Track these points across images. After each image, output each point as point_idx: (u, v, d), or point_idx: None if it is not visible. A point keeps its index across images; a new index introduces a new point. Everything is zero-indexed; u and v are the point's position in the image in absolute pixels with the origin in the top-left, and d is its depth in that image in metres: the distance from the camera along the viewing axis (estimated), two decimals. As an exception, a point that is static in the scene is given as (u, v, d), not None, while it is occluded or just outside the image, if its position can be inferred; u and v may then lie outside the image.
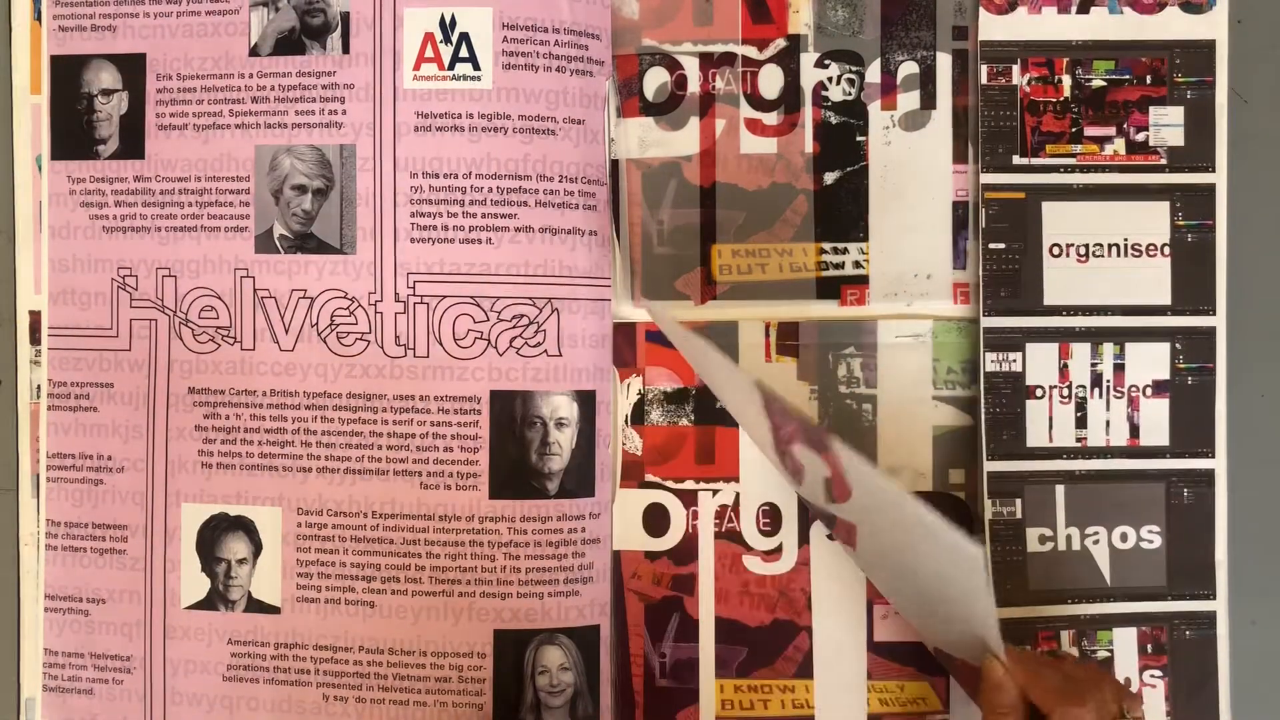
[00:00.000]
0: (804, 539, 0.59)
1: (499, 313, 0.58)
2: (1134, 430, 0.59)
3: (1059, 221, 0.59)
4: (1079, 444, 0.59)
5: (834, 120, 0.59)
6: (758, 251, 0.59)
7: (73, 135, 0.60)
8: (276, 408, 0.59)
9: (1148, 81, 0.59)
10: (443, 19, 0.58)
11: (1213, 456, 0.58)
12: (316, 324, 0.59)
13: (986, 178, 0.59)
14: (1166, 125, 0.59)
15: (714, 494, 0.59)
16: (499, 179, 0.58)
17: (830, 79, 0.59)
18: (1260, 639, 0.59)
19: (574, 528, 0.58)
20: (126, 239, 0.60)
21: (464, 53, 0.58)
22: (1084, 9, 0.59)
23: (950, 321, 0.59)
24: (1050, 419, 0.59)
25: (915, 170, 0.59)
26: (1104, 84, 0.59)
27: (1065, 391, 0.59)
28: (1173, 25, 0.59)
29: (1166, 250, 0.59)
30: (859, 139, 0.59)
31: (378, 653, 0.59)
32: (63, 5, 0.60)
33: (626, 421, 0.60)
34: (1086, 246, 0.58)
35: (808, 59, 0.60)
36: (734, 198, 0.59)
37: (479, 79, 0.58)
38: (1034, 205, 0.59)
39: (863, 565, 0.58)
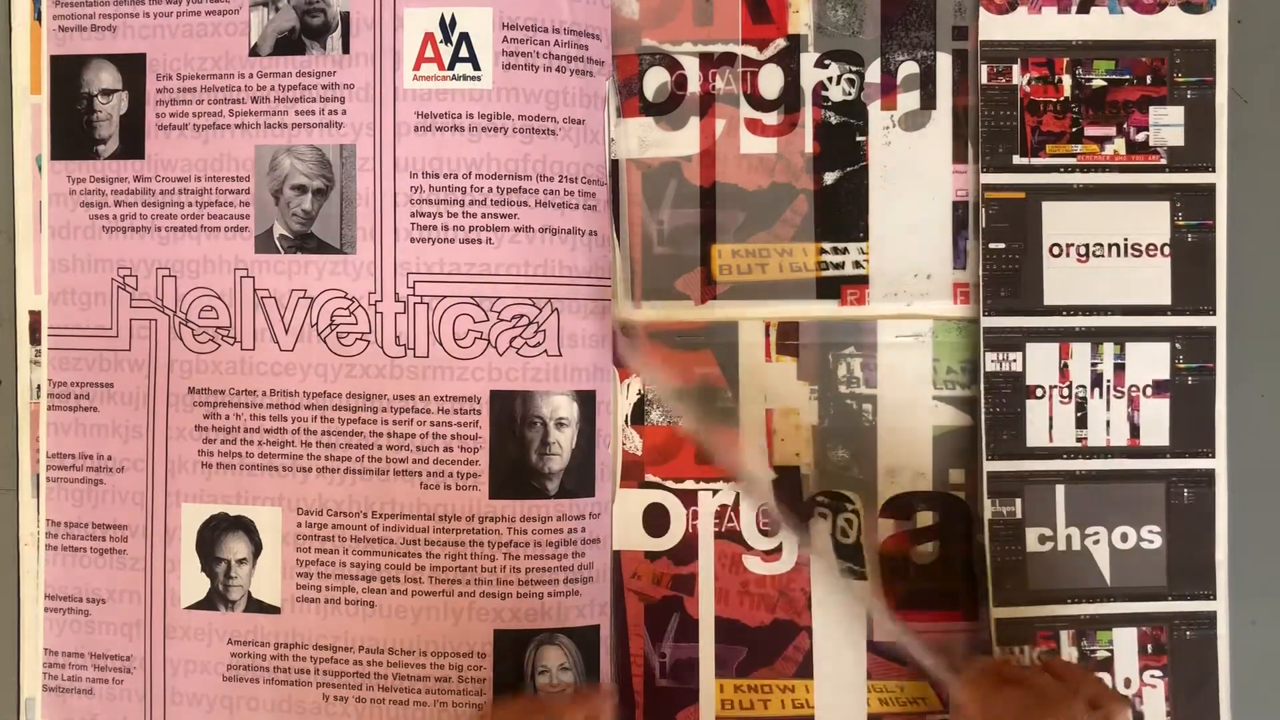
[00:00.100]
0: (807, 540, 0.59)
1: (499, 313, 0.58)
2: (1134, 430, 0.59)
3: (1059, 221, 0.58)
4: (1079, 444, 0.59)
5: (834, 120, 0.59)
6: (758, 251, 0.59)
7: (73, 135, 0.60)
8: (276, 408, 0.59)
9: (1148, 81, 0.59)
10: (443, 19, 0.58)
11: (1213, 456, 0.58)
12: (316, 324, 0.59)
13: (986, 178, 0.59)
14: (1166, 125, 0.59)
15: (714, 494, 0.59)
16: (499, 179, 0.58)
17: (830, 79, 0.59)
18: (1260, 639, 0.59)
19: (574, 528, 0.58)
20: (126, 239, 0.60)
21: (464, 53, 0.58)
22: (1084, 9, 0.59)
23: (950, 321, 0.59)
24: (1050, 419, 0.59)
25: (915, 170, 0.59)
26: (1104, 84, 0.59)
27: (1065, 391, 0.59)
28: (1173, 25, 0.59)
29: (1166, 250, 0.58)
30: (859, 139, 0.59)
31: (378, 653, 0.59)
32: (63, 5, 0.60)
33: (626, 421, 0.60)
34: (1087, 246, 0.58)
35: (808, 59, 0.60)
36: (734, 198, 0.59)
37: (479, 79, 0.58)
38: (1034, 205, 0.59)
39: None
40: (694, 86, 0.60)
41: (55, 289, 0.61)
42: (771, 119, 0.60)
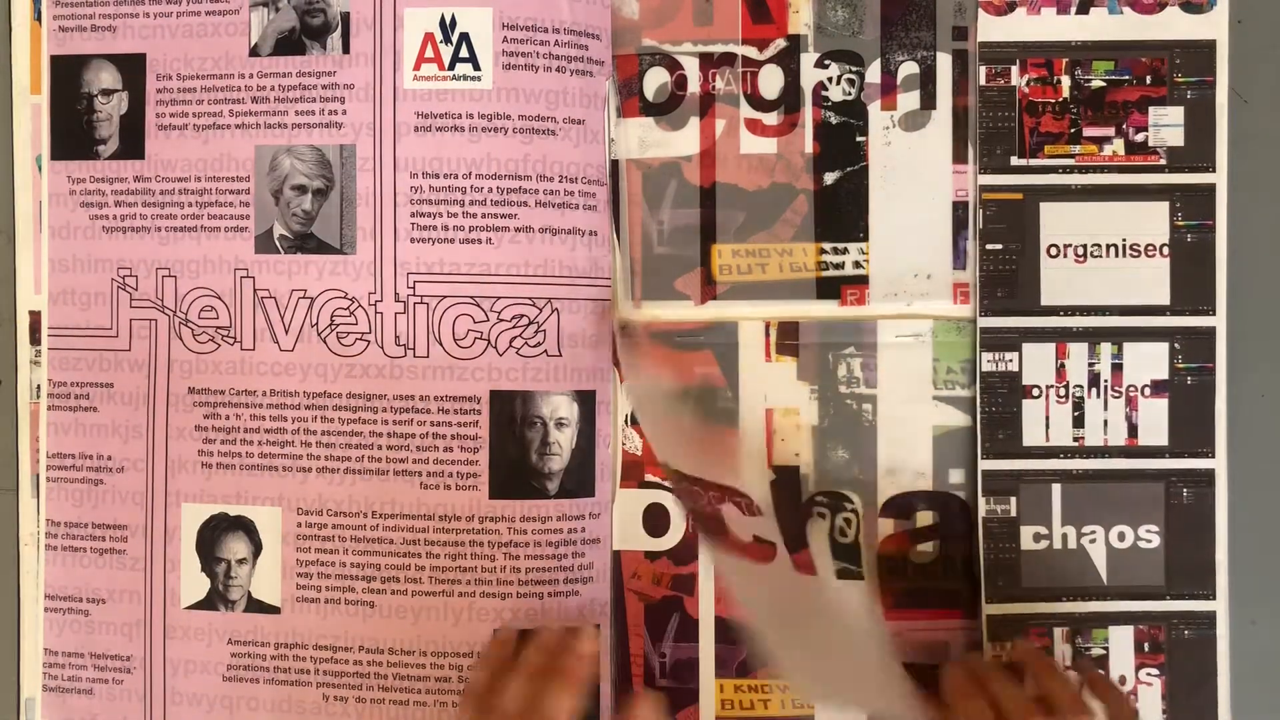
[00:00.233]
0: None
1: (499, 313, 0.58)
2: (1132, 430, 0.59)
3: (1057, 222, 0.59)
4: (1076, 443, 0.59)
5: (834, 120, 0.59)
6: (758, 251, 0.59)
7: (73, 135, 0.60)
8: (276, 408, 0.59)
9: (1148, 82, 0.59)
10: (443, 19, 0.58)
11: (1212, 456, 0.58)
12: (316, 324, 0.59)
13: (984, 179, 0.59)
14: (1166, 125, 0.59)
15: (714, 494, 0.60)
16: (499, 179, 0.58)
17: (830, 79, 0.59)
18: (1260, 639, 0.59)
19: (574, 528, 0.58)
20: (126, 239, 0.60)
21: (464, 53, 0.58)
22: (1083, 9, 0.59)
23: (950, 321, 0.59)
24: (1047, 418, 0.59)
25: (915, 170, 0.59)
26: (1103, 84, 0.59)
27: (1062, 391, 0.59)
28: (1173, 25, 0.59)
29: (1165, 250, 0.59)
30: (859, 139, 0.59)
31: (378, 653, 0.59)
32: (63, 5, 0.60)
33: (627, 421, 0.60)
34: (1085, 247, 0.59)
35: (808, 59, 0.60)
36: (734, 198, 0.60)
37: (479, 79, 0.58)
38: (1032, 206, 0.59)
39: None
40: (694, 86, 0.60)
41: (55, 289, 0.61)
42: (771, 119, 0.60)
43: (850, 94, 0.59)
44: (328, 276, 0.59)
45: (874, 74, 0.59)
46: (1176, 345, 0.58)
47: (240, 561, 0.59)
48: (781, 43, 0.60)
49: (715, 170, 0.60)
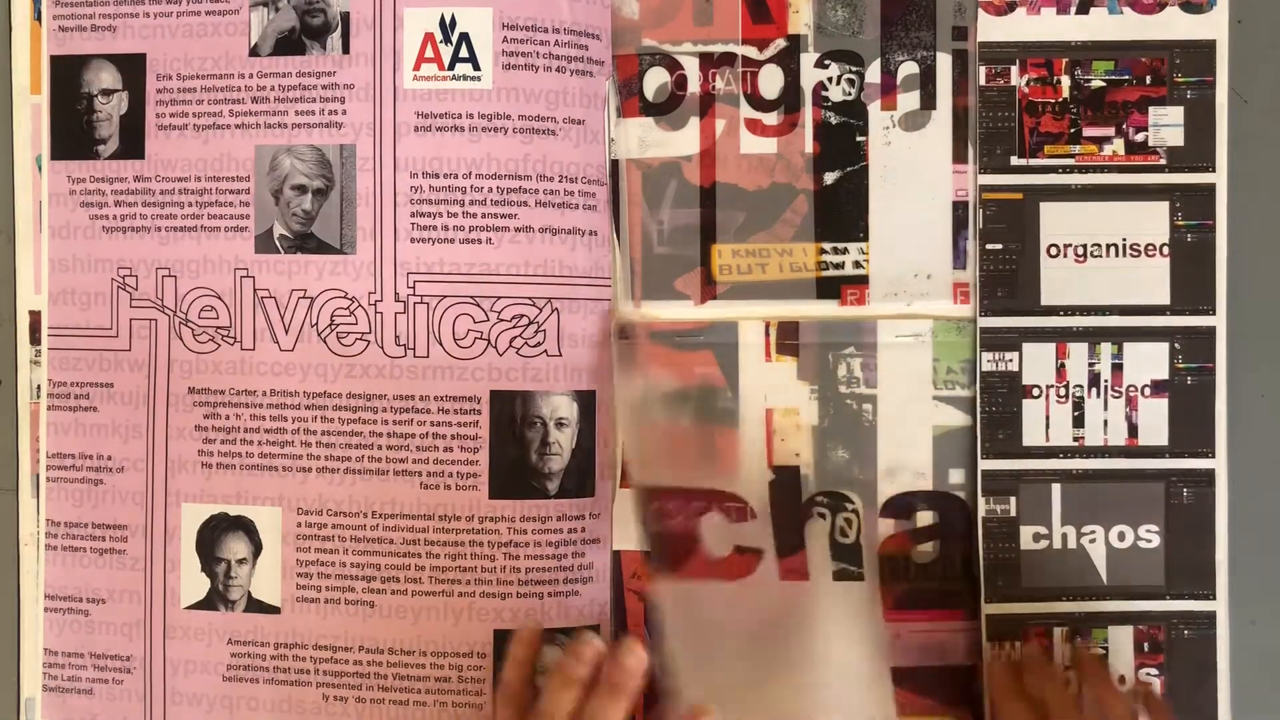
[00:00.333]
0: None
1: (499, 313, 0.58)
2: (1132, 430, 0.59)
3: (1057, 222, 0.59)
4: (1076, 443, 0.59)
5: (834, 120, 0.59)
6: (758, 251, 0.59)
7: (73, 135, 0.60)
8: (276, 408, 0.59)
9: (1147, 82, 0.59)
10: (443, 19, 0.58)
11: (1212, 456, 0.58)
12: (316, 324, 0.59)
13: (984, 179, 0.59)
14: (1166, 125, 0.59)
15: (714, 494, 0.60)
16: (499, 179, 0.58)
17: (830, 79, 0.60)
18: (1260, 639, 0.59)
19: (574, 528, 0.58)
20: (126, 239, 0.60)
21: (464, 53, 0.58)
22: (1083, 9, 0.59)
23: (950, 321, 0.59)
24: (1047, 418, 0.59)
25: (915, 170, 0.59)
26: (1103, 84, 0.59)
27: (1062, 391, 0.59)
28: (1173, 25, 0.59)
29: (1165, 250, 0.59)
30: (859, 139, 0.59)
31: (378, 653, 0.59)
32: (63, 5, 0.60)
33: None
34: (1085, 247, 0.59)
35: (808, 59, 0.60)
36: (734, 198, 0.60)
37: (479, 79, 0.58)
38: (1031, 206, 0.59)
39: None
40: (694, 86, 0.60)
41: (55, 289, 0.61)
42: (771, 119, 0.60)
43: (850, 94, 0.59)
44: (328, 276, 0.59)
45: (874, 74, 0.59)
46: (1176, 345, 0.58)
47: (240, 561, 0.59)
48: (781, 43, 0.60)
49: (715, 170, 0.60)
